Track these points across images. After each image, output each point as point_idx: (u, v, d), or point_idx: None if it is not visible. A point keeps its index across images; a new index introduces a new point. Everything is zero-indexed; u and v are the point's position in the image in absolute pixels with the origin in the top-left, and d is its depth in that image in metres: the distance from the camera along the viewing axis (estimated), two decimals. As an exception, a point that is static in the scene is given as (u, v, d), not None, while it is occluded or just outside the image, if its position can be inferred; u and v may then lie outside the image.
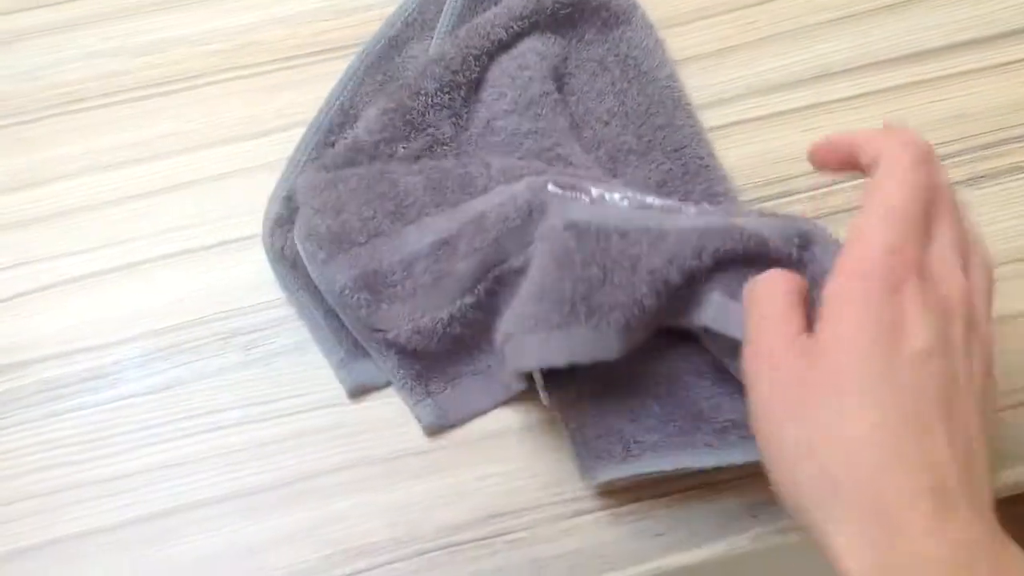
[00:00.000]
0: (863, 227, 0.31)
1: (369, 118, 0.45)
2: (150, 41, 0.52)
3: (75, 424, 0.43)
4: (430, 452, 0.43)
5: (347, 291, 0.41)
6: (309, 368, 0.44)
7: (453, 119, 0.46)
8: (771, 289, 0.34)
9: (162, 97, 0.51)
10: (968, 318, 0.31)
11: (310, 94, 0.50)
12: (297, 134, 0.49)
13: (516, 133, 0.45)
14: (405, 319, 0.41)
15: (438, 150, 0.46)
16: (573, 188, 0.40)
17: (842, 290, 0.31)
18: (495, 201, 0.41)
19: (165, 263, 0.47)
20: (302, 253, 0.42)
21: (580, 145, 0.46)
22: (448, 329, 0.42)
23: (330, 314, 0.43)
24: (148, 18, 0.53)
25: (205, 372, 0.44)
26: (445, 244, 0.41)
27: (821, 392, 0.30)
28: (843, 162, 0.36)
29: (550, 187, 0.40)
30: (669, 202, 0.41)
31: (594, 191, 0.40)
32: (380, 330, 0.42)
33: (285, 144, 0.49)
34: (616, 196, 0.40)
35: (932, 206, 0.32)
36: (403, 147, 0.45)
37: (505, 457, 0.42)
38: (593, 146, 0.47)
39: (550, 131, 0.45)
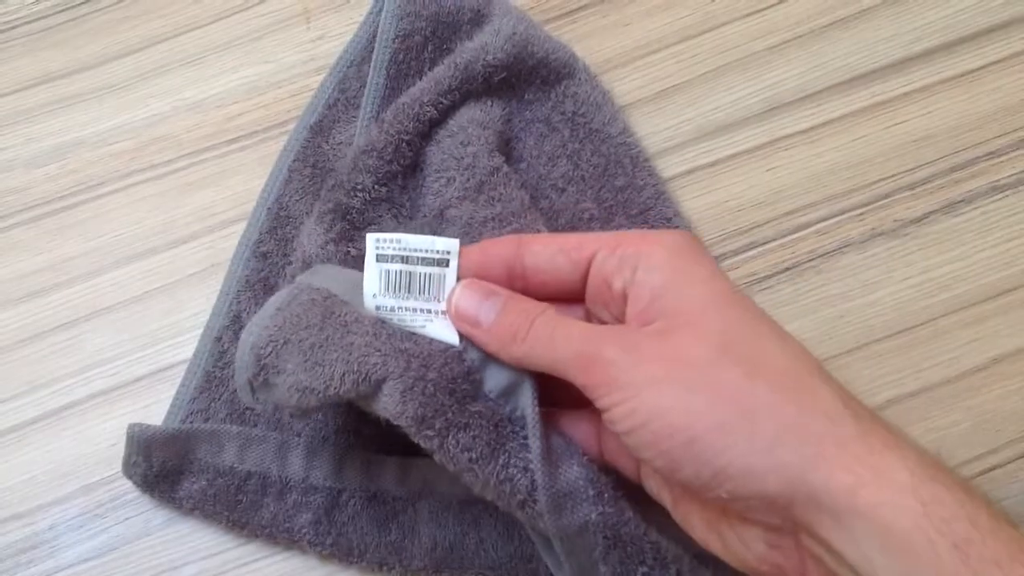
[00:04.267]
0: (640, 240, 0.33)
1: (310, 226, 0.41)
2: (45, 149, 0.47)
3: (13, 606, 0.39)
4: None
5: None
6: (263, 506, 0.41)
7: (393, 212, 0.42)
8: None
9: (64, 213, 0.46)
10: None
11: (228, 190, 0.46)
12: (219, 237, 0.45)
13: (472, 222, 0.41)
14: None
15: None
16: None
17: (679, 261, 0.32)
18: None
19: (92, 404, 0.42)
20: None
21: (543, 220, 0.42)
22: None
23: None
24: (39, 121, 0.48)
25: (150, 526, 0.40)
26: None
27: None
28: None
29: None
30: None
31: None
32: None
33: (207, 250, 0.45)
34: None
35: None
36: (352, 249, 0.40)
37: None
38: (551, 216, 0.44)
39: (508, 215, 0.41)
